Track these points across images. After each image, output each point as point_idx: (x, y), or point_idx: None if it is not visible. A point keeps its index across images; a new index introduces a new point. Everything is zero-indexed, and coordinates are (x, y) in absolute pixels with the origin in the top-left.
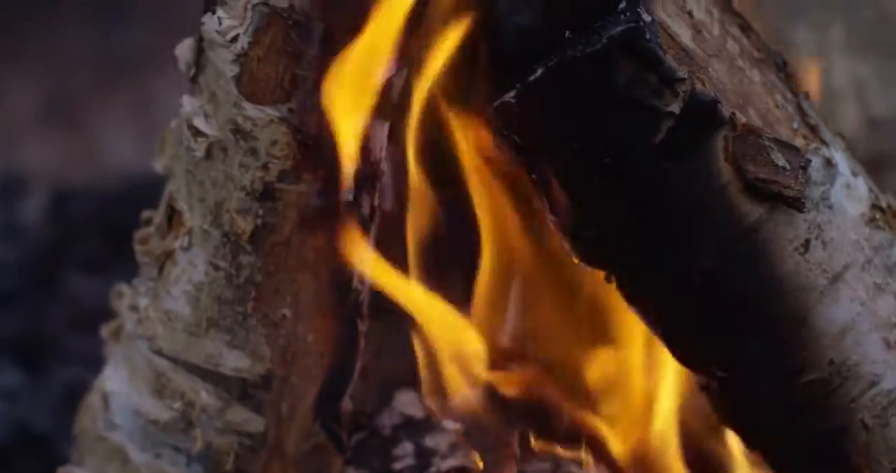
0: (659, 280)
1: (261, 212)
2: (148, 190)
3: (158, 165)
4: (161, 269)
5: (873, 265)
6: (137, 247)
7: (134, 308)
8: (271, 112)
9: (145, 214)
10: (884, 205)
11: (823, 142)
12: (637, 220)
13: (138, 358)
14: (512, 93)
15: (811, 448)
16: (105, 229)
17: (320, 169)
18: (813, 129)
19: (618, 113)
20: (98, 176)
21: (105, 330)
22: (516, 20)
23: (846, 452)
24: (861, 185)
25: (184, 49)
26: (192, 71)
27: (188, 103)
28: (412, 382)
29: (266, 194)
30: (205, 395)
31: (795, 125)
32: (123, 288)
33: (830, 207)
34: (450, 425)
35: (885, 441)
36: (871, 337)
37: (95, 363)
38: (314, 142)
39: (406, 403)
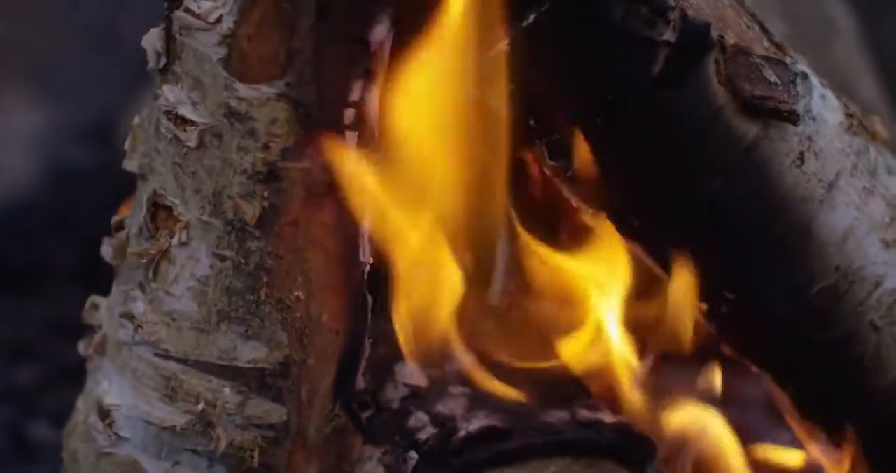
0: (665, 211)
1: (266, 193)
2: None
3: (131, 165)
4: (155, 271)
5: (859, 170)
6: (124, 253)
7: (127, 315)
8: (268, 89)
9: (115, 219)
10: (853, 111)
11: (793, 58)
12: (640, 154)
13: (141, 365)
14: (505, 42)
15: (824, 358)
16: None
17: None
18: (780, 47)
19: (615, 48)
20: None
21: (84, 346)
22: None
23: (858, 356)
24: (831, 95)
25: (151, 39)
26: (163, 61)
27: (170, 93)
28: None
29: (270, 175)
30: (221, 392)
31: (766, 44)
32: (97, 299)
33: (814, 119)
34: (455, 389)
35: (894, 338)
36: (870, 238)
37: None
38: (318, 115)
39: (408, 375)
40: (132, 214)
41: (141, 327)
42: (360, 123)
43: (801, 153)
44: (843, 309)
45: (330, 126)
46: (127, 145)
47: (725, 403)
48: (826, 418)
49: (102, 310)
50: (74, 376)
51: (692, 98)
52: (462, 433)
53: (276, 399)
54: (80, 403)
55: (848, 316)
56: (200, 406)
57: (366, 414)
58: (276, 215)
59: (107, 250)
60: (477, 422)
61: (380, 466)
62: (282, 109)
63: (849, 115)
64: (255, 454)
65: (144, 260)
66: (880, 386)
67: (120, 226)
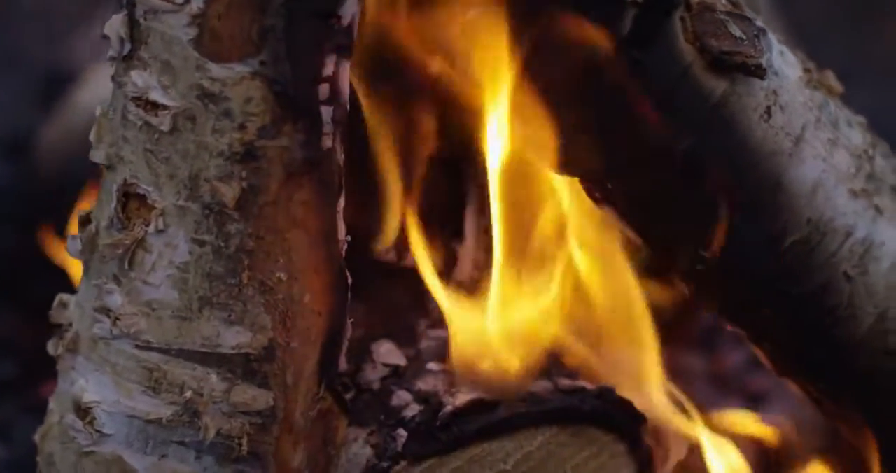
0: (640, 171)
1: (244, 174)
2: None
3: (98, 156)
4: (131, 261)
5: (822, 122)
6: (94, 247)
7: (102, 309)
8: (241, 68)
9: (81, 213)
10: (809, 67)
11: (751, 15)
12: (612, 116)
13: (121, 359)
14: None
15: (798, 312)
16: None
17: (301, 119)
18: (736, 5)
19: (583, 12)
20: None
21: (55, 345)
22: None
23: (832, 307)
24: (788, 51)
25: (114, 26)
26: (128, 47)
27: (137, 79)
28: (385, 334)
29: (248, 155)
30: (207, 380)
31: (724, 0)
32: (65, 296)
33: (777, 74)
34: (433, 366)
35: (866, 288)
36: (839, 190)
37: None
38: (293, 92)
39: (385, 354)
40: (99, 206)
41: (119, 320)
42: (335, 98)
43: (768, 107)
44: (817, 261)
45: (305, 102)
46: (92, 136)
47: (672, 375)
48: (802, 373)
49: (72, 308)
50: (10, 388)
51: (660, 57)
52: (449, 407)
53: (262, 385)
54: (53, 404)
55: (821, 267)
56: (186, 396)
57: (347, 397)
58: (255, 196)
59: (73, 246)
60: (462, 396)
61: (367, 447)
62: (256, 88)
63: (807, 70)
64: (244, 442)
65: (119, 252)
66: (855, 336)
67: (87, 221)
